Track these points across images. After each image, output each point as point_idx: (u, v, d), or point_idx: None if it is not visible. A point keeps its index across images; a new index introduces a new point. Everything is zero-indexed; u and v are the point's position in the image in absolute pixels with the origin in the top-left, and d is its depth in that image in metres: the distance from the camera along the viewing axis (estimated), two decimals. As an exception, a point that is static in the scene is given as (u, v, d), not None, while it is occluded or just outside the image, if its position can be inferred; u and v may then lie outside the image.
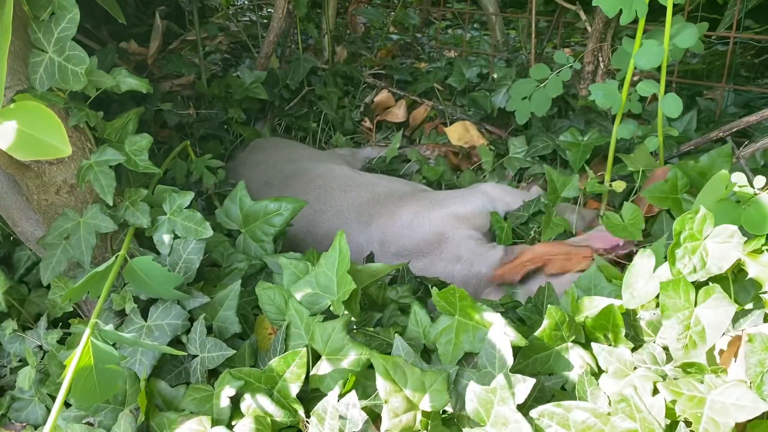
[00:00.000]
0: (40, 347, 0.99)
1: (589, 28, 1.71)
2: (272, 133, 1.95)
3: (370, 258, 1.24)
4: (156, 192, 0.98)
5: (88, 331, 0.74)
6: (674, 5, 1.19)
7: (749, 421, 0.74)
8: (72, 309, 1.01)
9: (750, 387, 0.76)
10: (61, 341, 0.96)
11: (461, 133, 1.90)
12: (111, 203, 0.89)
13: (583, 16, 1.72)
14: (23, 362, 0.98)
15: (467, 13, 2.23)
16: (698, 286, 0.87)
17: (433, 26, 2.43)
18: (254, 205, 1.12)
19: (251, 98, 1.86)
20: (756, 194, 1.00)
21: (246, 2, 2.61)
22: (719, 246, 0.87)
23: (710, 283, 0.88)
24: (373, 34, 2.34)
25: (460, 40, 2.27)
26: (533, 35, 1.77)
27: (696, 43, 1.27)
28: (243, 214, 1.12)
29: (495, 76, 1.83)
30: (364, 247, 1.32)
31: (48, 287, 1.04)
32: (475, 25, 2.89)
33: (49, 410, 0.93)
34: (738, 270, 0.91)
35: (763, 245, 0.91)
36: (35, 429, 0.94)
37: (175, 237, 0.96)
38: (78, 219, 0.92)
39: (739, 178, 1.03)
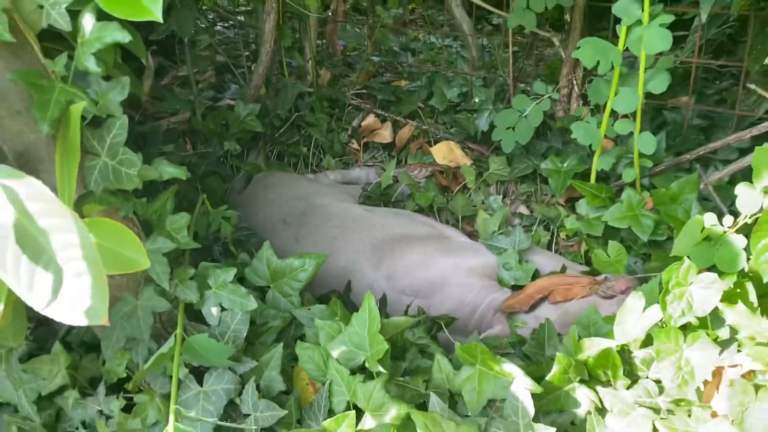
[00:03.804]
0: (101, 412, 1.09)
1: (563, 55, 1.83)
2: (266, 161, 2.03)
3: (383, 300, 1.36)
4: (200, 268, 1.08)
5: (172, 417, 0.85)
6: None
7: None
8: (126, 375, 1.11)
9: (733, 423, 0.90)
10: (123, 408, 1.06)
11: (446, 152, 2.01)
12: (168, 288, 0.99)
13: (557, 43, 1.84)
14: (89, 428, 1.08)
15: (443, 33, 2.33)
16: (686, 327, 1.02)
17: (410, 43, 2.52)
18: (281, 263, 1.22)
19: (245, 130, 1.94)
20: (725, 233, 1.14)
21: (225, 29, 2.66)
22: (702, 291, 1.01)
23: (696, 322, 1.03)
24: (352, 53, 2.42)
25: (437, 56, 2.37)
26: (510, 63, 1.89)
27: (665, 84, 1.40)
28: (271, 271, 1.22)
29: (476, 100, 1.94)
30: (374, 284, 1.44)
31: (98, 352, 1.15)
32: (448, 37, 2.99)
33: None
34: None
35: (736, 285, 1.06)
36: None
37: (222, 309, 1.06)
38: (135, 302, 1.02)
39: (710, 218, 1.16)
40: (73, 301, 0.68)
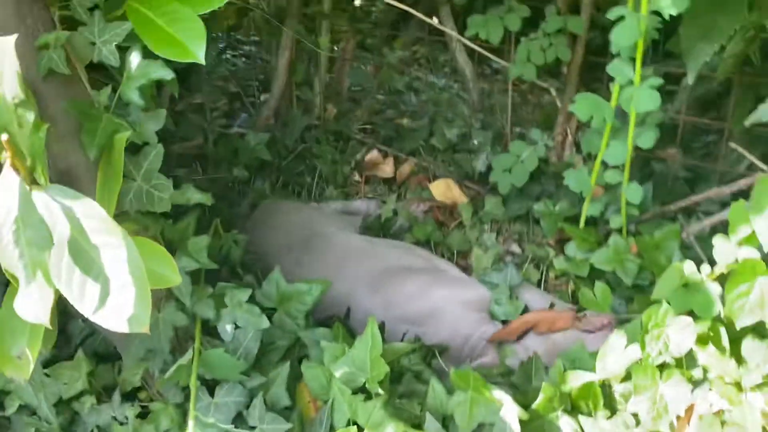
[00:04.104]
0: (114, 418, 1.16)
1: (559, 104, 1.95)
2: (272, 189, 2.13)
3: (382, 327, 1.44)
4: (218, 288, 1.17)
5: (192, 423, 0.92)
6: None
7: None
8: (140, 385, 1.19)
9: (702, 454, 0.99)
10: (138, 416, 1.13)
11: (444, 189, 2.11)
12: (189, 304, 1.07)
13: (554, 93, 1.96)
14: (103, 433, 1.15)
15: (444, 74, 2.45)
16: (663, 366, 1.11)
17: (413, 82, 2.65)
18: (289, 287, 1.31)
19: (254, 157, 2.04)
20: (703, 281, 1.23)
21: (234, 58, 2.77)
22: (678, 334, 1.11)
23: (672, 361, 1.12)
24: (358, 90, 2.53)
25: (438, 96, 2.49)
26: (509, 109, 2.01)
27: (652, 139, 1.51)
28: (279, 294, 1.30)
29: (475, 141, 2.06)
30: (371, 311, 1.52)
31: (112, 362, 1.23)
32: (445, 70, 3.12)
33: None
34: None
35: (710, 328, 1.15)
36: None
37: (236, 327, 1.14)
38: (157, 316, 1.10)
39: (689, 266, 1.26)
40: (118, 310, 0.76)
